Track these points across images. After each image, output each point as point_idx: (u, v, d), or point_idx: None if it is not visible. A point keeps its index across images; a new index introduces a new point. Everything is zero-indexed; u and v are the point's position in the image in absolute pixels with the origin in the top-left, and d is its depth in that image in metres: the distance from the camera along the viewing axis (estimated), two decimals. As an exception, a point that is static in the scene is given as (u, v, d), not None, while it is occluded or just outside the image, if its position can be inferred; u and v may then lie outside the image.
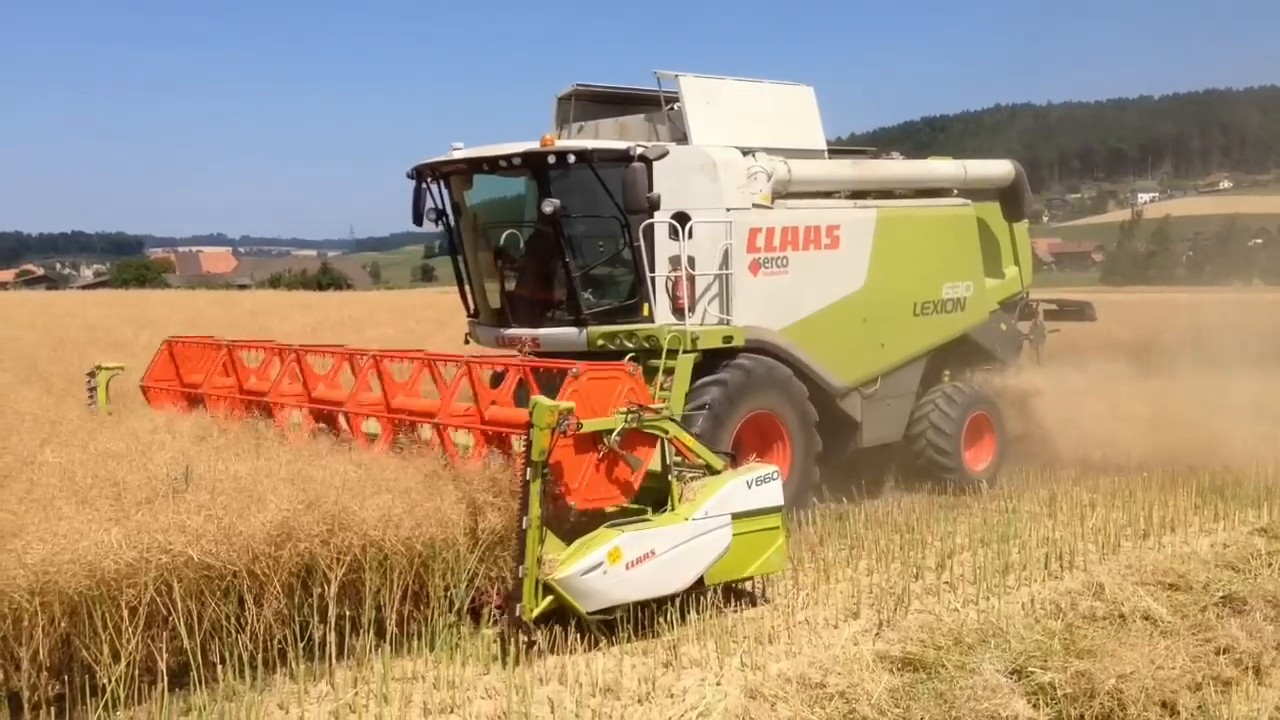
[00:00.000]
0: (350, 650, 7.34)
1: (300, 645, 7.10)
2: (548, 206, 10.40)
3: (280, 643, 7.13)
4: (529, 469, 7.18)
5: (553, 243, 10.77)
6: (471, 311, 12.09)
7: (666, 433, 8.07)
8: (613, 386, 7.95)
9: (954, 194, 13.59)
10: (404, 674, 7.21)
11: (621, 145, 10.54)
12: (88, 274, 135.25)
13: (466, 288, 12.05)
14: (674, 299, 10.72)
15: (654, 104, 11.61)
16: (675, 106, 11.40)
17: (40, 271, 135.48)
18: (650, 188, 10.30)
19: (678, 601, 8.01)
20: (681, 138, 11.20)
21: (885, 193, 12.93)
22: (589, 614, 7.48)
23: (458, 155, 11.07)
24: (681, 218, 10.60)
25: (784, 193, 11.48)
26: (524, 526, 7.18)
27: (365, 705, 6.69)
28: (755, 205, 11.17)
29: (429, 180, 11.44)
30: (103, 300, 49.03)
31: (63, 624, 6.35)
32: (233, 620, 6.93)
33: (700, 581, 8.00)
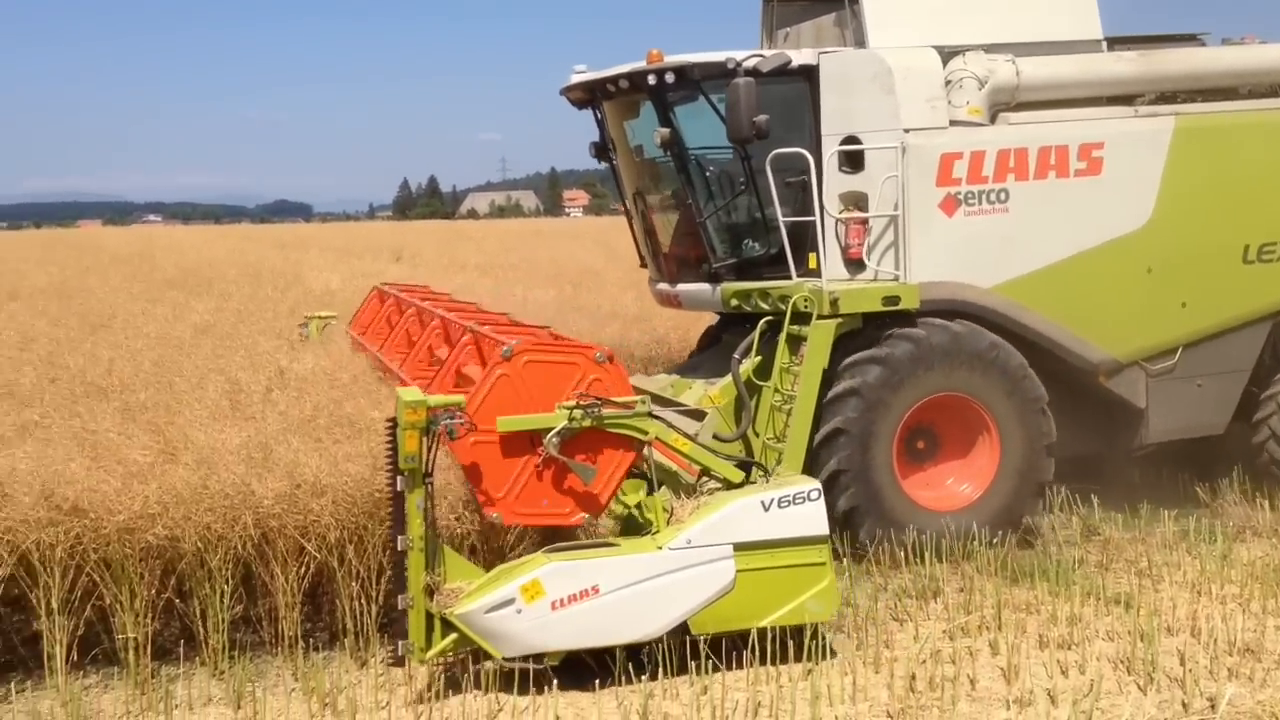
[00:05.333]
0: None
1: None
2: (656, 137, 8.72)
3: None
4: (399, 478, 5.94)
5: (683, 182, 8.99)
6: (641, 262, 10.41)
7: (646, 434, 6.43)
8: (566, 374, 6.29)
9: None
10: (1018, 603, 7.13)
11: (720, 57, 8.44)
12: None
13: (635, 236, 10.21)
14: (846, 248, 8.58)
15: None
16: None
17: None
18: (758, 110, 8.07)
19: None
20: (863, 40, 8.82)
21: (1220, 94, 9.42)
22: (507, 660, 5.99)
23: (576, 80, 9.37)
24: (851, 143, 8.51)
25: (1011, 103, 8.79)
26: (401, 548, 5.97)
27: (979, 629, 6.69)
28: (957, 122, 8.60)
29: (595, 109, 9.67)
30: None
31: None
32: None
33: (684, 628, 6.21)
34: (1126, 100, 9.15)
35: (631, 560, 6.10)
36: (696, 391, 8.86)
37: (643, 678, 6.02)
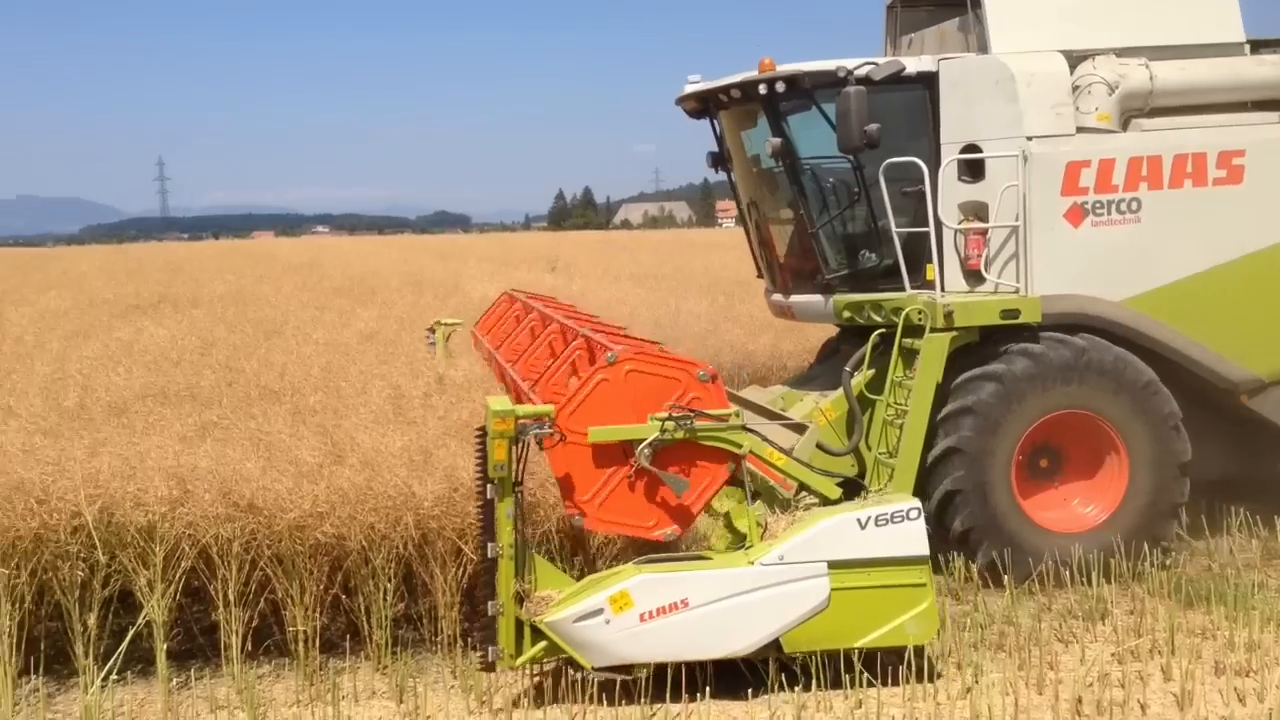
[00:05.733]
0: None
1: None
2: (768, 147, 8.58)
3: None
4: (489, 486, 5.98)
5: (795, 192, 8.79)
6: (758, 273, 10.20)
7: (740, 448, 6.29)
8: (666, 388, 6.20)
9: None
10: (1193, 628, 6.84)
11: (831, 65, 8.25)
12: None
13: (751, 247, 10.06)
14: (965, 260, 8.27)
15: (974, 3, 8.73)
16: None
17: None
18: (869, 119, 7.88)
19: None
20: (985, 45, 8.52)
21: None
22: (596, 669, 6.05)
23: (690, 90, 9.24)
24: (971, 151, 8.24)
25: (1144, 109, 8.41)
26: (491, 555, 6.01)
27: (1150, 653, 6.44)
28: (1085, 129, 8.25)
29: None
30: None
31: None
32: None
33: (776, 646, 6.09)
34: (1272, 105, 8.70)
35: (722, 575, 6.04)
36: (807, 404, 8.69)
37: (796, 689, 5.98)
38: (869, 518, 6.10)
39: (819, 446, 7.91)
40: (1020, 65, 8.20)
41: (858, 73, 8.13)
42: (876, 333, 8.23)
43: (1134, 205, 8.22)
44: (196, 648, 6.91)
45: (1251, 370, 8.43)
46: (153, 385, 8.99)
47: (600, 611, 5.90)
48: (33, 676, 6.40)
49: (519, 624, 6.02)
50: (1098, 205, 8.19)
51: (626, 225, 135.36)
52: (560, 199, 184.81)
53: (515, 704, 6.07)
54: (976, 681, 6.18)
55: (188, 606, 6.89)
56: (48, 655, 6.51)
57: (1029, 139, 8.14)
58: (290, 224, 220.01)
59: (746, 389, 10.05)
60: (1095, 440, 8.08)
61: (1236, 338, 8.35)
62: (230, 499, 6.43)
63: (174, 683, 6.44)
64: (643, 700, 5.96)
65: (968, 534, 7.83)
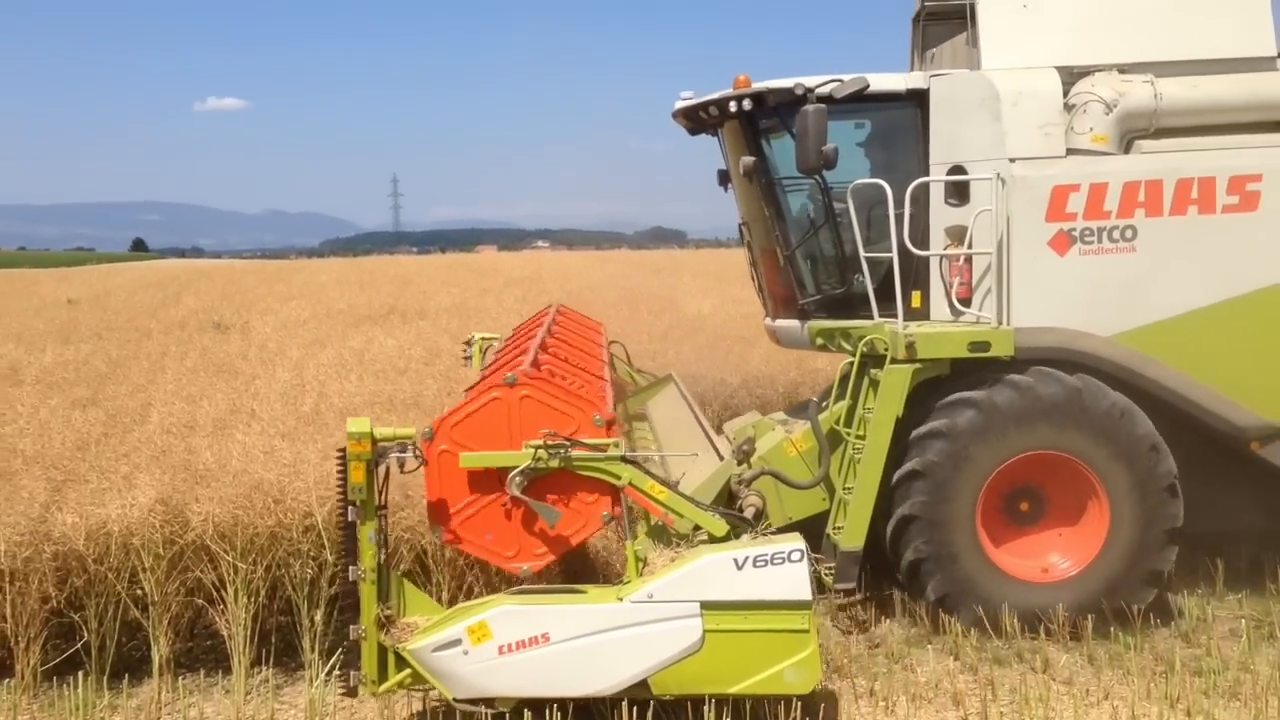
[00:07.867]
0: None
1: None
2: (740, 166, 8.28)
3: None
4: (350, 508, 5.78)
5: (771, 214, 8.44)
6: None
7: (619, 479, 5.97)
8: (558, 422, 5.96)
9: None
10: None
11: (790, 83, 7.84)
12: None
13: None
14: (948, 287, 7.79)
15: None
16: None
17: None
18: (826, 139, 7.51)
19: None
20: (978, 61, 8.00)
21: None
22: (457, 701, 5.77)
23: (679, 105, 8.79)
24: (958, 173, 7.75)
25: (1149, 129, 7.73)
26: (353, 579, 5.82)
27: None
28: (1077, 151, 7.63)
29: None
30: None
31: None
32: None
33: (644, 687, 5.69)
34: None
35: (586, 610, 5.79)
36: (777, 435, 8.33)
37: (1001, 712, 5.76)
38: (747, 558, 5.74)
39: (782, 479, 7.68)
40: (1006, 82, 7.76)
41: (819, 91, 7.80)
42: (845, 362, 7.95)
43: (1129, 233, 7.63)
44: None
45: (1264, 416, 7.66)
46: (380, 393, 9.45)
47: (459, 642, 5.73)
48: (263, 668, 6.83)
49: (383, 649, 5.91)
50: (1087, 232, 7.63)
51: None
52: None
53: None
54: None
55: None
56: (277, 648, 6.94)
57: (1011, 161, 7.67)
58: (512, 238, 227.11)
59: (744, 415, 9.90)
60: (1079, 489, 7.49)
61: (1247, 380, 7.64)
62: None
63: (392, 680, 6.71)
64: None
65: (917, 565, 7.36)
